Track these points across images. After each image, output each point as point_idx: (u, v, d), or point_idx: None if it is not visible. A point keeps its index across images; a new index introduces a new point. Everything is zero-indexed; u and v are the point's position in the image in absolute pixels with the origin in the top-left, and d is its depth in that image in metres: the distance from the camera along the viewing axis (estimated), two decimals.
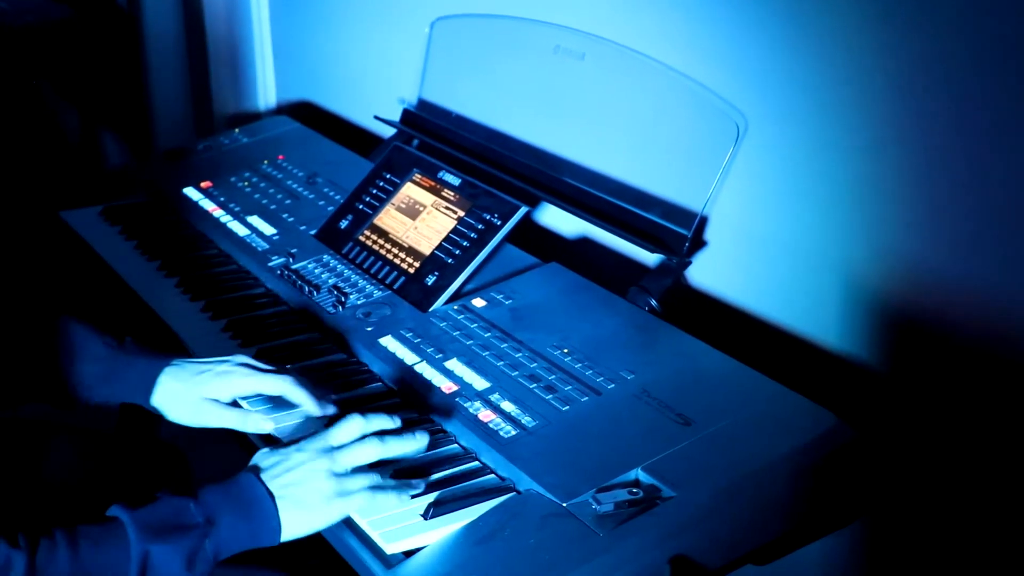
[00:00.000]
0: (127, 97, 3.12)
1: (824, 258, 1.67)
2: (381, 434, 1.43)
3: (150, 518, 1.29)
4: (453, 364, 1.65)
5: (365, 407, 1.50)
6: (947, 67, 1.45)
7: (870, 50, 1.54)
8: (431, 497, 1.40)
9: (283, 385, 1.54)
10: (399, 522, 1.37)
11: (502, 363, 1.64)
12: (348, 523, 1.39)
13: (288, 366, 1.61)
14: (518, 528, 1.33)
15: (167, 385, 1.56)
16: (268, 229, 2.16)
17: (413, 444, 1.44)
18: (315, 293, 1.90)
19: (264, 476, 1.36)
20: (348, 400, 1.62)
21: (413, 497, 1.40)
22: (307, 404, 1.54)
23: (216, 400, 1.55)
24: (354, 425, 1.42)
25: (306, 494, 1.35)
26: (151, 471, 1.92)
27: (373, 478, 1.39)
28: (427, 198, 2.00)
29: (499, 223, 1.87)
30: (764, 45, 1.69)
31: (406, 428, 1.46)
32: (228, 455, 1.72)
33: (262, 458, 1.39)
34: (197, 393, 1.55)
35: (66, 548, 1.24)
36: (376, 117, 2.46)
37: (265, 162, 2.44)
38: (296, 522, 1.34)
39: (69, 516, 1.30)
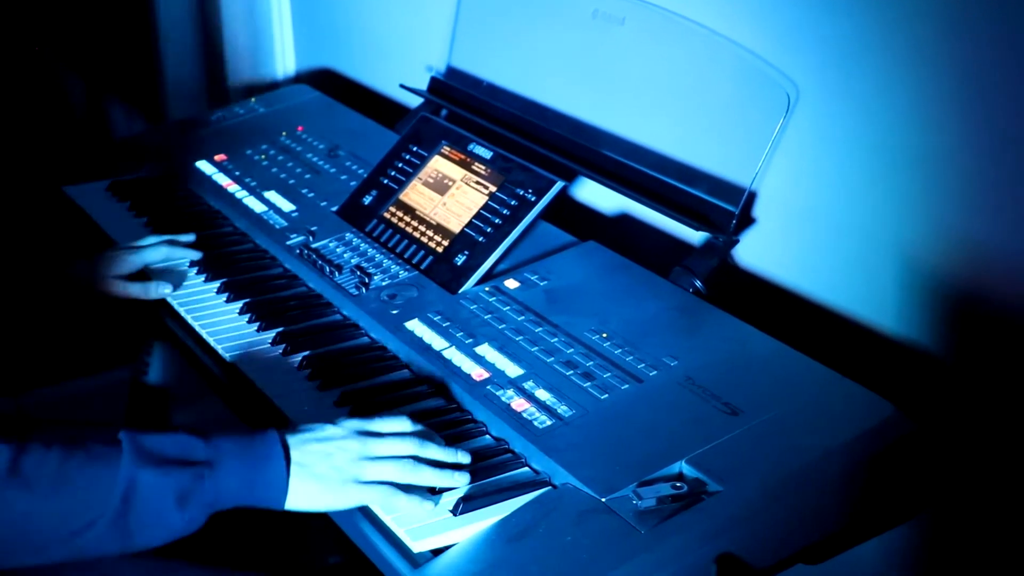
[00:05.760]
0: (136, 64, 3.13)
1: (880, 236, 1.66)
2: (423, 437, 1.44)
3: (151, 445, 1.31)
4: (484, 349, 1.66)
5: (406, 407, 1.52)
6: (1015, 33, 1.45)
7: (931, 13, 1.53)
8: (461, 491, 1.41)
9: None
10: (427, 518, 1.38)
11: (536, 348, 1.64)
12: (373, 519, 1.40)
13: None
14: (553, 525, 1.34)
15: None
16: (287, 205, 2.17)
17: (448, 480, 1.41)
18: (337, 274, 1.92)
19: (290, 438, 1.38)
20: (372, 388, 1.63)
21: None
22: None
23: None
24: (401, 423, 1.44)
25: (326, 468, 1.36)
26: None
27: (398, 473, 1.39)
28: (457, 172, 2.01)
29: (533, 199, 1.88)
30: (816, 8, 1.69)
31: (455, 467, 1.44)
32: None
33: (299, 426, 1.41)
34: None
35: (57, 457, 1.26)
36: (402, 86, 2.47)
37: (283, 134, 2.46)
38: (306, 494, 1.36)
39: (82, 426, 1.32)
